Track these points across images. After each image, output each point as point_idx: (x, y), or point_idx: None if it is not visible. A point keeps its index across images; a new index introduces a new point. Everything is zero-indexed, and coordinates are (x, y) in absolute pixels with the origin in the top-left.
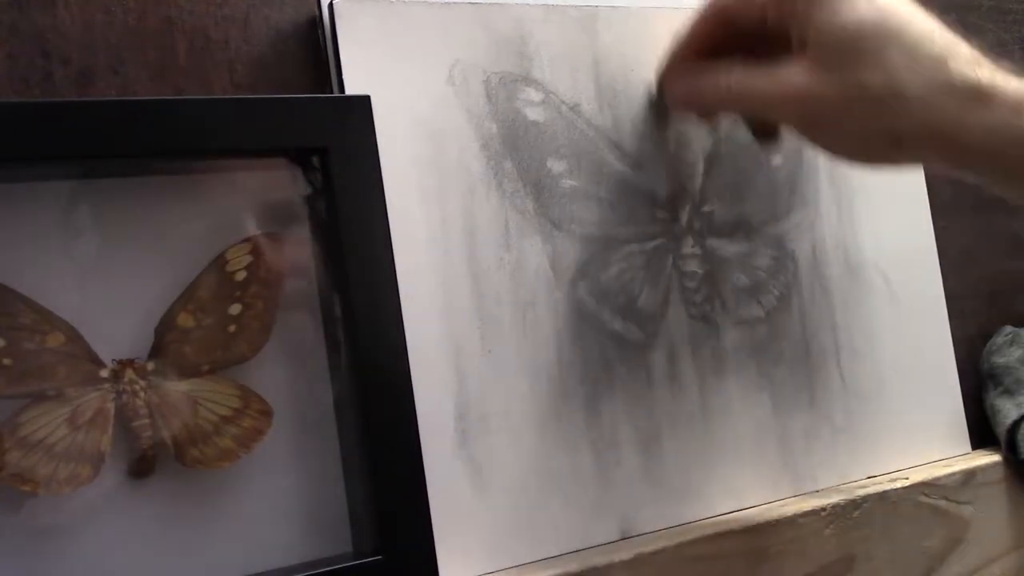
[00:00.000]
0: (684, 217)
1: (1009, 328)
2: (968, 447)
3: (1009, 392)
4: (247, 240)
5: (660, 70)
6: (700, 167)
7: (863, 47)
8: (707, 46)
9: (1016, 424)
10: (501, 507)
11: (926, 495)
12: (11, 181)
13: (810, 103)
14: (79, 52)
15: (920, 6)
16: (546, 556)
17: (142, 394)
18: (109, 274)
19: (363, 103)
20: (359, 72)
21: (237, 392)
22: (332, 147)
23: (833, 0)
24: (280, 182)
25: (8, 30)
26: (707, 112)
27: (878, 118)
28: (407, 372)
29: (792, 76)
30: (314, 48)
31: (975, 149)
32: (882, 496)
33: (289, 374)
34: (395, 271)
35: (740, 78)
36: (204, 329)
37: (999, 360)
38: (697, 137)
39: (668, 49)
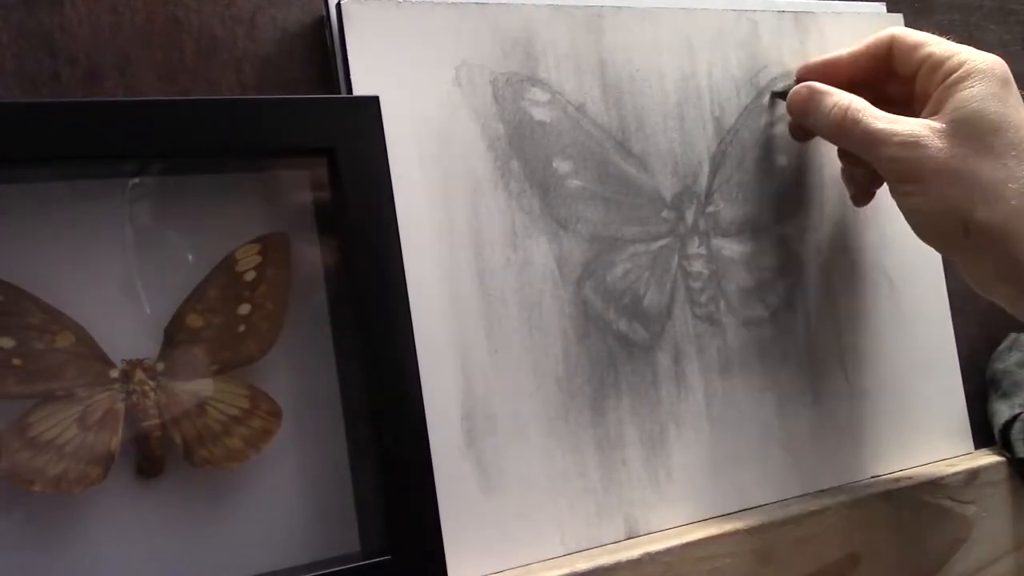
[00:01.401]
0: (690, 217)
1: (1014, 334)
2: (971, 447)
3: (1006, 395)
4: (256, 240)
5: (801, 69)
6: (706, 168)
7: (990, 141)
8: (851, 75)
9: (1009, 424)
10: (508, 507)
11: (930, 495)
12: (19, 181)
13: (919, 159)
14: (86, 52)
15: (923, 7)
16: (553, 556)
17: (152, 394)
18: (119, 274)
19: (372, 104)
20: (366, 72)
21: (246, 392)
22: (341, 148)
23: (981, 88)
24: (289, 182)
25: (15, 30)
26: (814, 125)
27: (968, 204)
28: (416, 372)
29: (912, 125)
30: (321, 48)
31: None
32: (886, 495)
33: (298, 374)
34: (404, 272)
35: (861, 106)
36: (213, 329)
37: (999, 366)
38: (702, 137)
39: (823, 57)
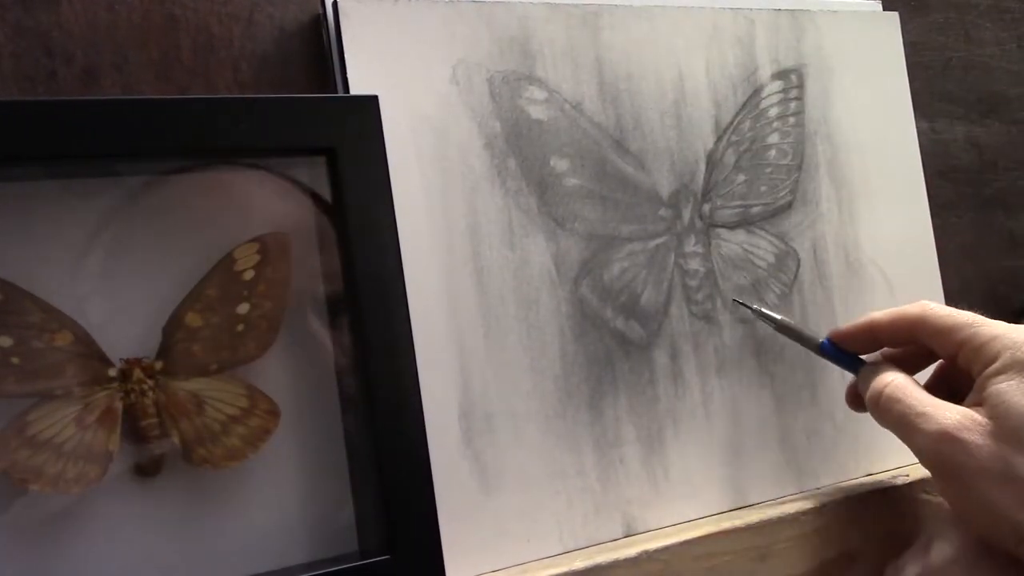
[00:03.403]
0: (686, 215)
1: None
2: None
3: None
4: (255, 239)
5: (837, 331)
6: (702, 166)
7: None
8: (888, 340)
9: None
10: (506, 505)
11: (926, 492)
12: (17, 180)
13: (958, 456)
14: (83, 50)
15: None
16: (551, 554)
17: (150, 393)
18: (117, 273)
19: (371, 103)
20: (363, 70)
21: (244, 392)
22: (340, 147)
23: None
24: (288, 181)
25: (12, 28)
26: (861, 391)
27: (1018, 509)
28: (415, 371)
29: (953, 415)
30: (318, 46)
31: None
32: (883, 493)
33: (296, 374)
34: (402, 271)
35: (903, 384)
36: (212, 328)
37: None
38: (699, 136)
39: (860, 322)
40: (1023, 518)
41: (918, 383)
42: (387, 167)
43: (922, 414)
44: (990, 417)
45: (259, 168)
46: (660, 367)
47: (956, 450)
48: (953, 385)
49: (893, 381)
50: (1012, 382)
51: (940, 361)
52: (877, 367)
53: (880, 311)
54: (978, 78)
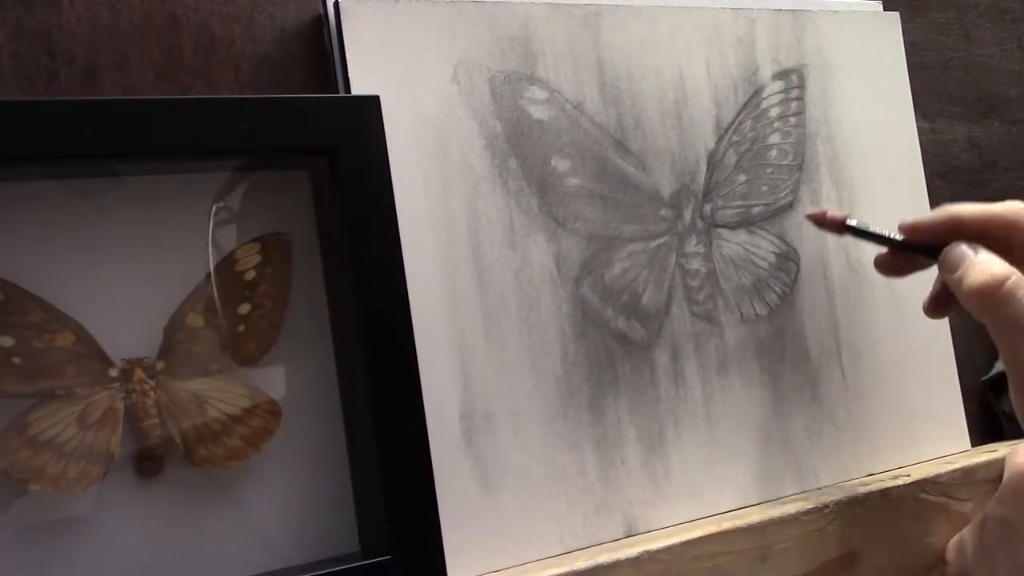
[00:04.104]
0: (687, 216)
1: None
2: (968, 444)
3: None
4: (256, 240)
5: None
6: (703, 166)
7: None
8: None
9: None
10: (507, 506)
11: (927, 492)
12: (18, 180)
13: None
14: (84, 50)
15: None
16: (552, 554)
17: (151, 393)
18: (118, 273)
19: (372, 104)
20: (364, 70)
21: (246, 392)
22: (341, 147)
23: None
24: (289, 182)
25: (13, 28)
26: (955, 284)
27: None
28: (416, 371)
29: None
30: (319, 46)
31: None
32: (884, 493)
33: (297, 374)
34: (404, 271)
35: (1022, 283)
36: (213, 328)
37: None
38: (700, 136)
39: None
40: None
41: None
42: (388, 167)
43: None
44: None
45: (260, 168)
46: (661, 367)
47: None
48: None
49: (1015, 276)
50: None
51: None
52: (977, 249)
53: (959, 205)
54: (978, 78)
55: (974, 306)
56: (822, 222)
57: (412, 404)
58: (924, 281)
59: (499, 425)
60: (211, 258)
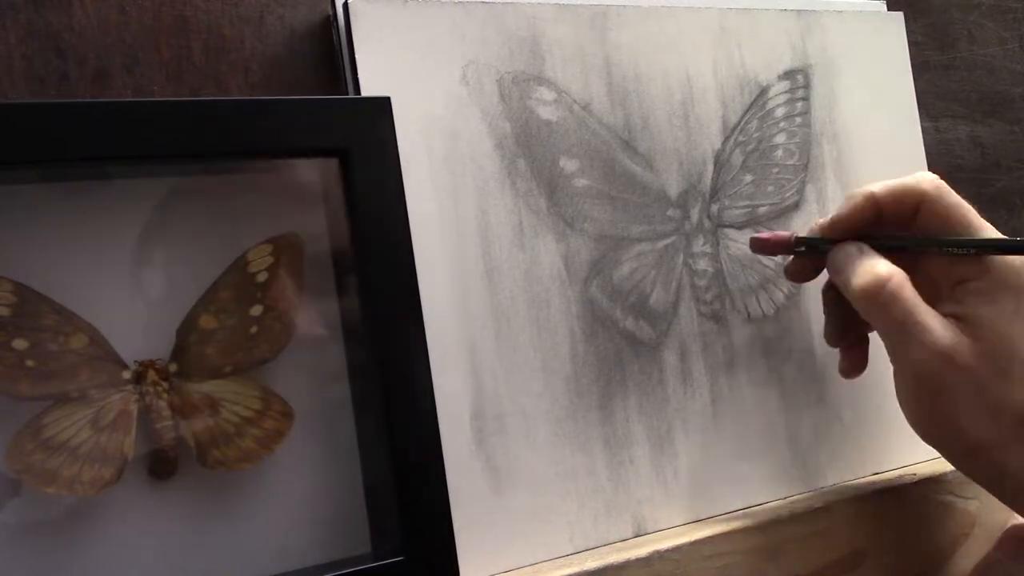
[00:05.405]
0: (695, 216)
1: None
2: None
3: None
4: (268, 241)
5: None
6: (710, 166)
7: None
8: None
9: None
10: (517, 506)
11: (933, 491)
12: (30, 182)
13: (948, 377)
14: (95, 52)
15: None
16: (562, 554)
17: (164, 395)
18: (131, 275)
19: (384, 105)
20: (373, 71)
21: (258, 393)
22: (353, 149)
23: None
24: (301, 183)
25: (24, 30)
26: (843, 285)
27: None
28: (428, 372)
29: (948, 334)
30: (328, 47)
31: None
32: (891, 492)
33: (309, 375)
34: (415, 273)
35: (903, 283)
36: (226, 330)
37: None
38: (707, 136)
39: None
40: (994, 446)
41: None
42: (400, 168)
43: (920, 323)
44: (974, 339)
45: (272, 170)
46: (669, 367)
47: (948, 371)
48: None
49: (897, 277)
50: (997, 307)
51: None
52: (863, 249)
53: (872, 185)
54: (981, 78)
55: (860, 307)
56: (766, 247)
57: (424, 405)
58: None
59: (509, 426)
60: (223, 260)
